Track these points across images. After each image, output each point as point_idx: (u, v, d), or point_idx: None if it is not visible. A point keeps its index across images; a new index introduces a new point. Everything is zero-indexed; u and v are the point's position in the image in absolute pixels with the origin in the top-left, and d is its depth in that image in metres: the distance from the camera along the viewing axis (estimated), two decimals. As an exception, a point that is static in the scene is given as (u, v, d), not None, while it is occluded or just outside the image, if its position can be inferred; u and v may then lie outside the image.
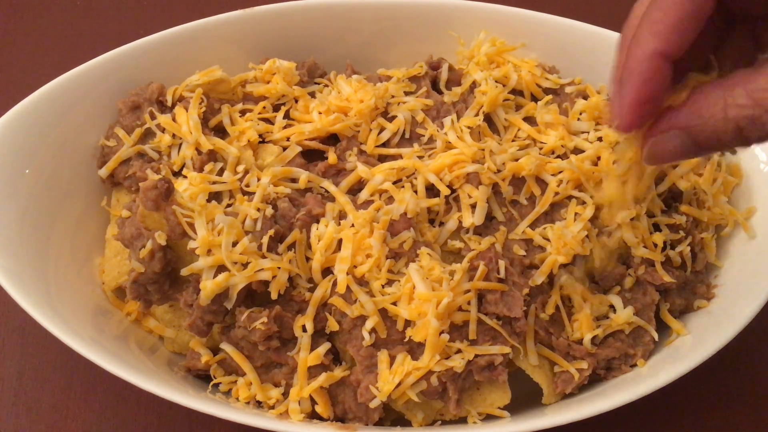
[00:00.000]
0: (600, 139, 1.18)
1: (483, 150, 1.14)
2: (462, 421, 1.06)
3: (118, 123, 1.22)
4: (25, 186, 1.14)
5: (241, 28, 1.31)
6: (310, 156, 1.20)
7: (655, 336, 1.11)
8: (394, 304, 1.02)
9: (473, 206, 1.12)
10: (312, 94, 1.26)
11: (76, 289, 1.14)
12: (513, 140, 1.20)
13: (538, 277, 1.08)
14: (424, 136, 1.19)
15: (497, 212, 1.13)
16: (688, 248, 1.17)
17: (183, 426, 1.16)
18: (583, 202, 1.13)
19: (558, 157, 1.18)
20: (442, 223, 1.13)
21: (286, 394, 1.04)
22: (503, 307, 1.04)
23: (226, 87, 1.24)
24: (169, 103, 1.21)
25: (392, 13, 1.36)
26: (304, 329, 1.03)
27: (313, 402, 1.03)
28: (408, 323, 1.02)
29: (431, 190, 1.13)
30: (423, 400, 1.02)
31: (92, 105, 1.22)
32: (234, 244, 1.00)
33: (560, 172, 1.15)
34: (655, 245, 1.15)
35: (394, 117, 1.20)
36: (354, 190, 1.14)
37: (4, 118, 1.15)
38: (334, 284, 1.04)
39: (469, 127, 1.19)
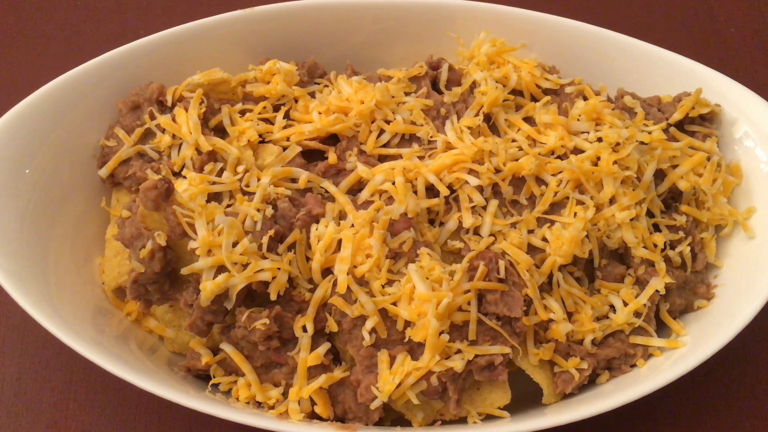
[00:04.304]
0: (600, 139, 1.18)
1: (483, 150, 1.14)
2: (462, 421, 1.06)
3: (118, 123, 1.22)
4: (25, 186, 1.14)
5: (241, 28, 1.31)
6: (310, 156, 1.20)
7: (655, 336, 1.12)
8: (394, 304, 1.02)
9: (473, 207, 1.12)
10: (312, 95, 1.26)
11: (76, 289, 1.14)
12: (513, 140, 1.19)
13: (538, 278, 1.08)
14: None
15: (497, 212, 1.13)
16: (688, 248, 1.17)
17: (183, 426, 1.16)
18: (583, 203, 1.13)
19: (558, 157, 1.18)
20: (442, 224, 1.13)
21: (285, 394, 1.04)
22: (503, 307, 1.04)
23: (227, 87, 1.24)
24: (169, 103, 1.21)
25: (392, 13, 1.36)
26: (305, 329, 1.03)
27: (313, 402, 1.03)
28: (408, 323, 1.02)
29: (431, 191, 1.13)
30: (423, 400, 1.02)
31: (92, 105, 1.22)
32: (234, 245, 1.00)
33: (560, 173, 1.15)
34: (655, 245, 1.15)
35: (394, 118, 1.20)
36: (354, 191, 1.14)
37: (4, 118, 1.15)
38: (334, 284, 1.04)
39: (468, 128, 1.19)
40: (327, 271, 1.06)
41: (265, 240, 1.03)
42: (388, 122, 1.20)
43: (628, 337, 1.11)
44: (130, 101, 1.22)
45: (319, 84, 1.29)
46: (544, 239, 1.11)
